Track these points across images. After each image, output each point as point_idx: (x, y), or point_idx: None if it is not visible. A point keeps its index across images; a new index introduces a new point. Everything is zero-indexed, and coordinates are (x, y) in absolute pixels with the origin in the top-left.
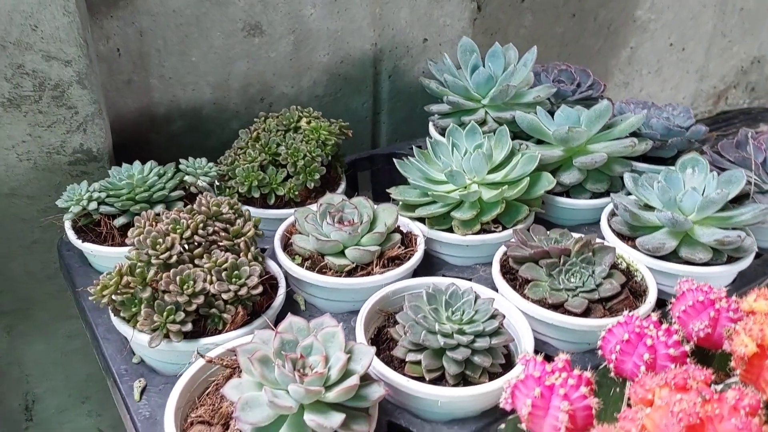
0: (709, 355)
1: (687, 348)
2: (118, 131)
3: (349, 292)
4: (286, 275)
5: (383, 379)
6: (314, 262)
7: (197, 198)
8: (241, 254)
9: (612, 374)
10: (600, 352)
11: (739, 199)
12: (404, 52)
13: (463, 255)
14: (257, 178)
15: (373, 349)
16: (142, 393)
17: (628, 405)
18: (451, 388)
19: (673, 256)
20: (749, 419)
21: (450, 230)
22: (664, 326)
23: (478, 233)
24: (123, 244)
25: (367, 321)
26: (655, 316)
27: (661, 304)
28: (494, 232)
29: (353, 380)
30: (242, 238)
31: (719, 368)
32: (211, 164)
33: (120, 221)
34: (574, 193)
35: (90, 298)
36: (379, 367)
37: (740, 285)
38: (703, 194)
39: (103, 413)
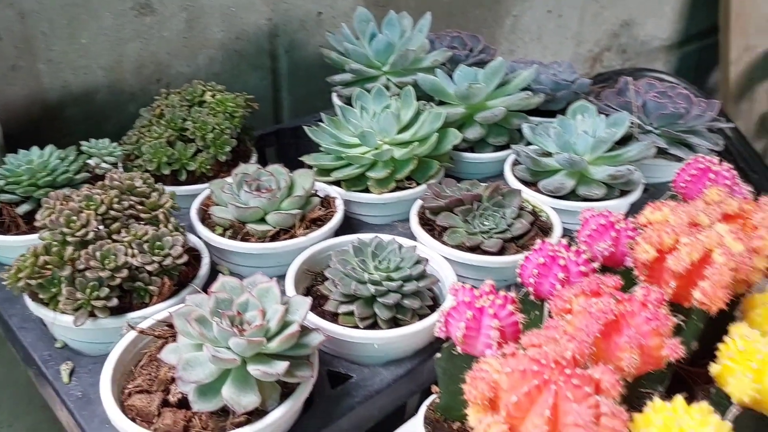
0: (614, 273)
1: (595, 266)
2: (7, 120)
3: (275, 257)
4: (208, 248)
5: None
6: (235, 231)
7: (107, 175)
8: (161, 225)
9: (532, 297)
10: (519, 280)
11: (625, 141)
12: (299, 26)
13: (381, 213)
14: (166, 154)
15: (309, 300)
16: (70, 375)
17: (550, 317)
18: (385, 331)
19: (572, 195)
20: (657, 310)
21: (366, 190)
22: (574, 248)
23: (393, 191)
24: (29, 232)
25: (296, 281)
26: (564, 242)
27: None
28: (409, 188)
29: (294, 327)
30: (160, 210)
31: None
32: (114, 144)
33: (23, 208)
34: (479, 148)
35: (4, 283)
36: (315, 320)
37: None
38: (593, 136)
39: (14, 422)
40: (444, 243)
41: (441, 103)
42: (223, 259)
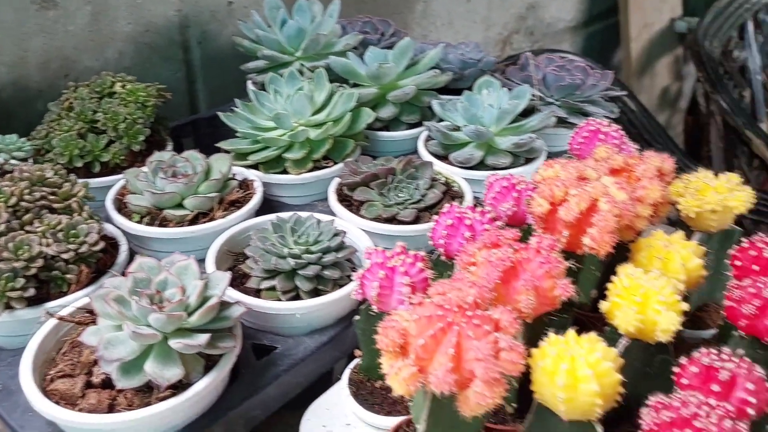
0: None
1: (499, 224)
2: None
3: (195, 240)
4: (126, 236)
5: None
6: (153, 217)
7: (15, 168)
8: (74, 214)
9: (443, 257)
10: (431, 242)
11: (528, 113)
12: (210, 17)
13: (301, 194)
14: (77, 146)
15: (228, 274)
16: None
17: None
18: (305, 300)
19: (481, 165)
20: (549, 255)
21: (285, 172)
22: (479, 209)
23: (311, 171)
24: None
25: (217, 261)
26: (471, 204)
27: None
28: (326, 167)
29: (213, 300)
30: (73, 199)
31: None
32: (23, 139)
33: None
34: (393, 126)
35: None
36: (237, 296)
37: None
38: (498, 108)
39: None
40: (362, 216)
41: (355, 85)
42: (142, 247)
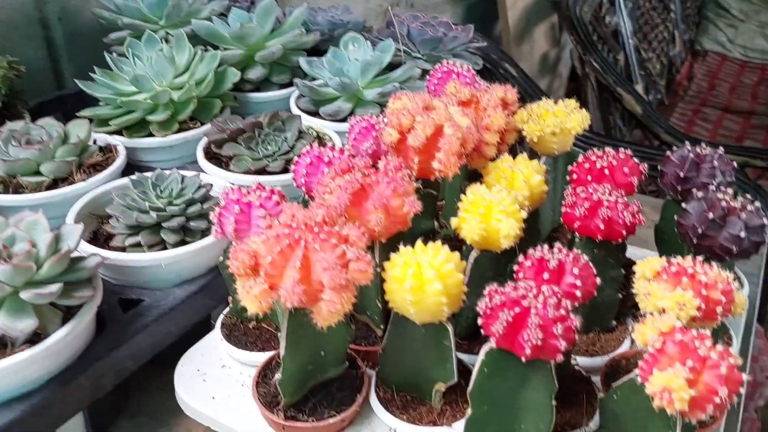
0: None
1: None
2: None
3: (55, 206)
4: None
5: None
6: (6, 185)
7: None
8: None
9: (306, 197)
10: (295, 185)
11: (395, 68)
12: None
13: (168, 157)
14: None
15: (81, 226)
16: None
17: None
18: (169, 250)
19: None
20: (396, 175)
21: (151, 135)
22: (338, 149)
23: (178, 132)
24: None
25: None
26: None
27: None
28: (194, 128)
29: (63, 250)
30: None
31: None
32: None
33: None
34: (264, 87)
35: None
36: (100, 252)
37: None
38: (362, 61)
39: None
40: (231, 171)
41: (222, 49)
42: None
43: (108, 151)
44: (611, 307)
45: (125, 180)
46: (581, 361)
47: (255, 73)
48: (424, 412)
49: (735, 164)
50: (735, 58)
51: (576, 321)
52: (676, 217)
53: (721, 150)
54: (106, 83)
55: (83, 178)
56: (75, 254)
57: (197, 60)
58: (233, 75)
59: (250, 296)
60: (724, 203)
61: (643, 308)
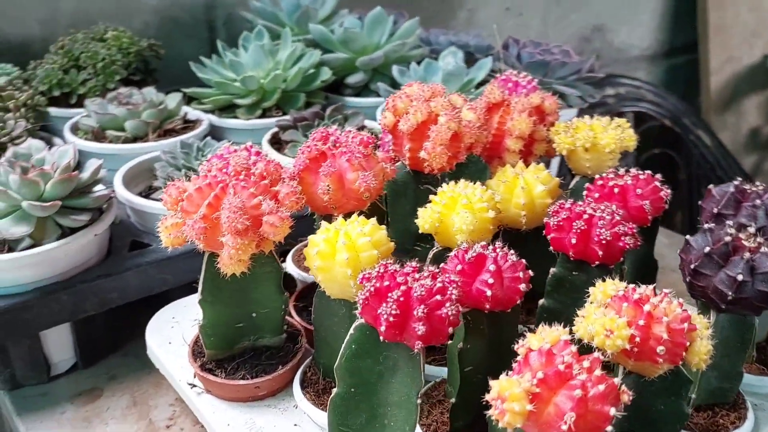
0: None
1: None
2: None
3: (123, 158)
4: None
5: (131, 206)
6: (96, 136)
7: None
8: (10, 113)
9: None
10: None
11: None
12: (237, 0)
13: (249, 139)
14: (57, 77)
15: (100, 161)
16: None
17: None
18: None
19: None
20: (357, 148)
21: (236, 118)
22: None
23: (260, 118)
24: None
25: (128, 178)
26: None
27: None
28: (275, 117)
29: (67, 171)
30: (12, 101)
31: None
32: (11, 65)
33: None
34: (364, 94)
35: None
36: (128, 196)
37: None
38: (446, 72)
39: None
40: (285, 155)
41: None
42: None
43: (195, 123)
44: None
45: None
46: None
47: (355, 78)
48: None
49: None
50: None
51: (450, 311)
52: (678, 251)
53: None
54: (212, 67)
55: (155, 138)
56: (99, 192)
57: (294, 56)
58: (325, 74)
59: (163, 227)
60: (729, 238)
61: (575, 331)
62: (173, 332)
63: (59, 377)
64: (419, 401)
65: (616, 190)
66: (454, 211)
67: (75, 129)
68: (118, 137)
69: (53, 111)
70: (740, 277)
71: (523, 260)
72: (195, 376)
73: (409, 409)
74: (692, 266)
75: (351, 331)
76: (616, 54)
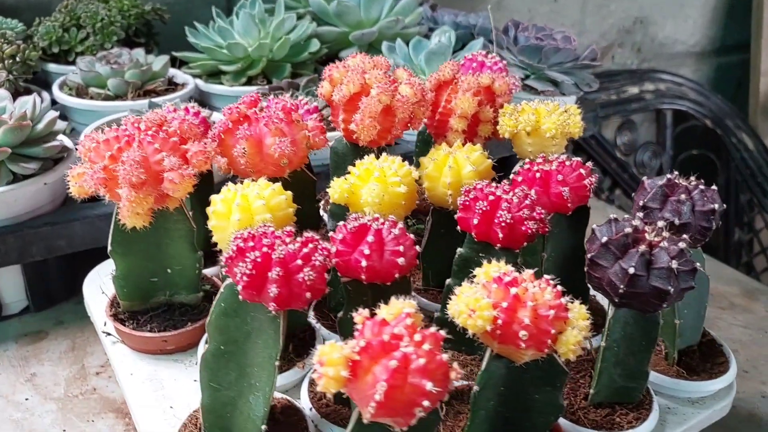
0: None
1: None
2: None
3: (99, 115)
4: (62, 108)
5: None
6: (79, 92)
7: None
8: None
9: None
10: None
11: None
12: None
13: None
14: (56, 35)
15: (56, 114)
16: None
17: None
18: None
19: None
20: (276, 113)
21: (222, 84)
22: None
23: (245, 85)
24: None
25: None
26: None
27: None
28: (260, 85)
29: (23, 120)
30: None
31: None
32: (17, 22)
33: None
34: None
35: None
36: None
37: None
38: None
39: None
40: None
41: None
42: (68, 116)
43: (180, 86)
44: None
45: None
46: None
47: (348, 53)
48: None
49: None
50: None
51: (308, 276)
52: (585, 241)
53: (714, 187)
54: (203, 33)
55: (135, 99)
56: (51, 143)
57: (283, 26)
58: (314, 46)
59: (71, 176)
60: (630, 230)
61: (447, 309)
62: (110, 284)
63: (11, 317)
64: (278, 363)
65: (538, 174)
66: (364, 181)
67: (63, 85)
68: (99, 94)
69: (52, 67)
70: (632, 270)
71: (412, 236)
72: (105, 324)
73: (269, 371)
74: (589, 256)
75: (221, 289)
76: (659, 48)
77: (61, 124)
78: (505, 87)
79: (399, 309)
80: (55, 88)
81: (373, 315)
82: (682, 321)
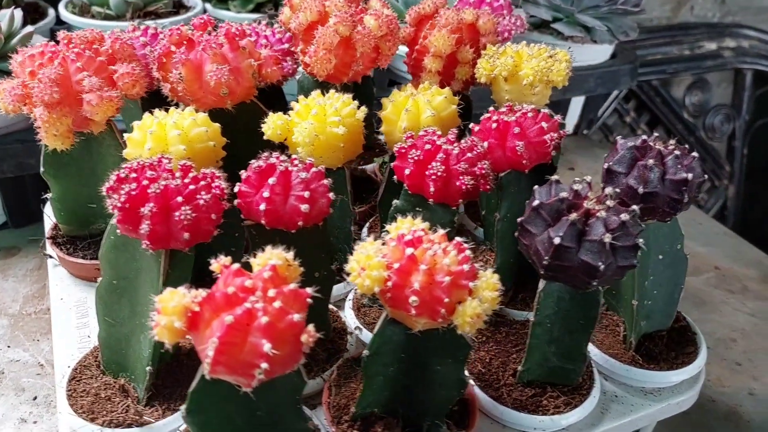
0: None
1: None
2: None
3: None
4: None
5: None
6: (81, 9)
7: None
8: None
9: None
10: None
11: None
12: None
13: None
14: None
15: (32, 28)
16: None
17: None
18: None
19: None
20: (216, 39)
21: (229, 10)
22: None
23: (252, 12)
24: None
25: None
26: None
27: None
28: (266, 13)
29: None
30: None
31: None
32: None
33: None
34: None
35: None
36: None
37: None
38: None
39: None
40: None
41: None
42: None
43: (187, 10)
44: None
45: None
46: None
47: None
48: None
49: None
50: None
51: (185, 215)
52: (527, 201)
53: (694, 154)
54: None
55: (133, 19)
56: None
57: None
58: None
59: None
60: (565, 194)
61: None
62: None
63: None
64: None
65: (494, 126)
66: (302, 119)
67: (69, 3)
68: (100, 13)
69: None
70: (557, 241)
71: (327, 182)
72: (42, 246)
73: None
74: (519, 220)
75: (112, 221)
76: (746, 2)
77: (39, 40)
78: (491, 25)
79: (265, 260)
80: (61, 6)
81: None
82: (648, 302)
